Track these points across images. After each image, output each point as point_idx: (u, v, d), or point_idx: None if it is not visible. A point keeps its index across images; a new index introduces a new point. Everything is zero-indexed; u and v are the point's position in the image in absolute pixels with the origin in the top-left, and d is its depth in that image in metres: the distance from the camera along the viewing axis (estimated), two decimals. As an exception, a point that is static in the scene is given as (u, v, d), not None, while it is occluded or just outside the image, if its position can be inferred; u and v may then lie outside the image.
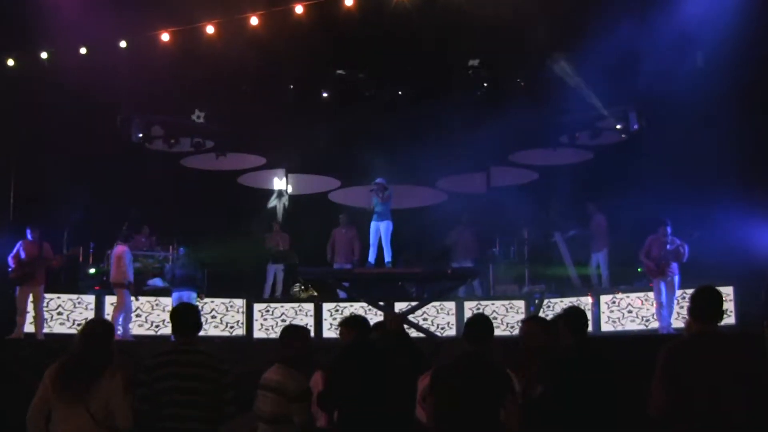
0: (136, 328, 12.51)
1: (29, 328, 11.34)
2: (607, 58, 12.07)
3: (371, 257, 13.07)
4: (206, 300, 13.04)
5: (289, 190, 17.29)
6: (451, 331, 12.89)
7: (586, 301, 12.66)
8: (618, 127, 14.81)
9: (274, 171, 17.28)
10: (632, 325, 12.38)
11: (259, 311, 13.27)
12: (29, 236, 11.33)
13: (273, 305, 13.40)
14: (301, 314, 13.17)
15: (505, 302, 13.17)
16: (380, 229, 12.95)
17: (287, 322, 11.99)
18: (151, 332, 12.77)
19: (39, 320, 11.32)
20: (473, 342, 5.16)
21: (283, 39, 12.51)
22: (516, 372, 5.15)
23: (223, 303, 13.19)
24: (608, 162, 14.87)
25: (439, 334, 12.73)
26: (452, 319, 13.04)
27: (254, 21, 12.34)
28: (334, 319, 12.76)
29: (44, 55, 12.82)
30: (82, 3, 11.52)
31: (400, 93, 15.16)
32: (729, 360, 4.44)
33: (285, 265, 14.81)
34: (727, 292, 11.20)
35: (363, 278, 12.80)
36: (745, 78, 11.67)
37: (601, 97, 14.01)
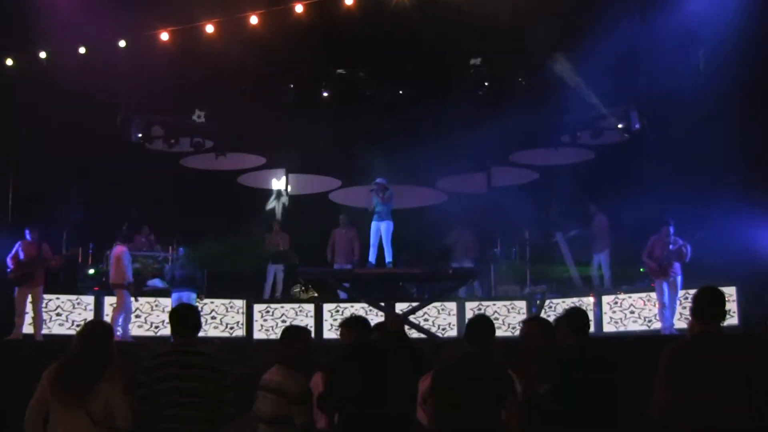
0: (136, 329, 12.45)
1: (28, 329, 11.29)
2: (609, 57, 12.06)
3: (371, 257, 13.04)
4: (206, 301, 12.98)
5: (288, 189, 17.26)
6: (453, 332, 12.85)
7: (588, 302, 12.63)
8: (619, 126, 14.79)
9: (273, 171, 17.26)
10: (634, 326, 12.34)
11: (259, 312, 13.22)
12: (28, 237, 11.28)
13: (273, 306, 13.35)
14: (302, 315, 13.13)
15: (507, 303, 13.13)
16: (381, 230, 12.91)
17: (287, 323, 11.86)
18: (150, 333, 12.72)
19: (38, 321, 11.27)
20: (474, 343, 5.14)
21: (283, 38, 12.50)
22: (517, 373, 5.13)
23: (223, 304, 13.15)
24: (610, 162, 14.86)
25: (440, 334, 12.71)
26: (453, 320, 13.01)
27: (254, 20, 12.34)
28: (335, 319, 12.71)
29: (43, 54, 12.81)
30: (81, 2, 11.54)
31: (400, 93, 15.14)
32: (731, 360, 4.42)
33: (285, 266, 14.77)
34: (730, 292, 11.15)
35: (363, 279, 12.77)
36: (748, 77, 11.70)
37: (603, 96, 14.00)
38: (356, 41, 13.21)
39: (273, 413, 5.29)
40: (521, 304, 13.09)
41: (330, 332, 12.73)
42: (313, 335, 11.34)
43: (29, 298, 11.15)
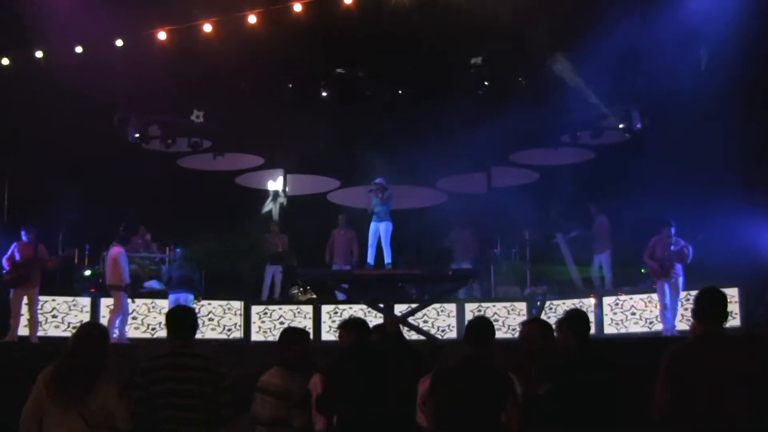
0: (132, 331, 12.37)
1: (23, 331, 11.21)
2: (610, 56, 12.04)
3: (370, 258, 12.98)
4: (203, 302, 12.93)
5: (286, 190, 17.22)
6: (452, 334, 12.81)
7: (588, 303, 12.59)
8: (620, 126, 14.75)
9: (271, 171, 17.19)
10: (636, 328, 12.28)
11: (257, 313, 13.15)
12: (24, 238, 11.21)
13: (271, 307, 13.29)
14: (300, 316, 13.07)
15: (507, 304, 13.08)
16: (380, 230, 12.84)
17: (286, 325, 11.93)
18: (147, 335, 12.64)
19: (33, 323, 11.21)
20: (474, 344, 5.11)
21: (282, 38, 12.49)
22: (517, 374, 5.10)
23: (221, 305, 13.09)
24: (611, 162, 14.80)
25: (439, 336, 12.66)
26: (453, 322, 12.96)
27: (252, 19, 12.34)
28: (333, 321, 12.68)
29: (39, 54, 12.77)
30: (78, 1, 11.51)
31: (399, 92, 15.10)
32: (733, 362, 4.41)
33: (283, 267, 14.70)
34: (732, 293, 11.13)
35: (362, 280, 12.69)
36: (749, 76, 11.68)
37: (604, 96, 13.99)
38: (355, 40, 13.20)
39: (272, 416, 5.30)
40: (521, 306, 13.04)
41: (328, 334, 12.68)
42: (311, 337, 11.26)
43: (25, 300, 11.09)
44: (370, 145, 14.42)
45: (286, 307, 13.28)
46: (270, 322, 13.03)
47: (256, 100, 14.57)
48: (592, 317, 11.75)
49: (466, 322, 9.89)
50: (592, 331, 6.06)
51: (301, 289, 14.61)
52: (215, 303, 13.06)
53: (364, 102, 15.03)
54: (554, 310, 12.64)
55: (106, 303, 12.34)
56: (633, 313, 12.38)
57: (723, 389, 4.32)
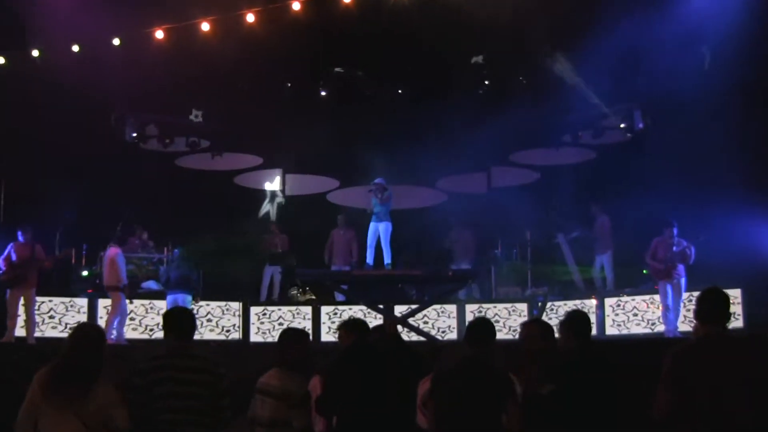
0: (130, 332, 12.31)
1: (20, 332, 11.15)
2: (612, 56, 11.99)
3: (369, 259, 12.96)
4: (202, 303, 12.85)
5: (284, 189, 17.19)
6: (452, 335, 12.77)
7: (590, 304, 12.54)
8: (622, 125, 14.72)
9: (269, 172, 17.12)
10: (638, 329, 12.23)
11: (256, 314, 13.09)
12: (21, 238, 11.15)
13: (270, 308, 13.23)
14: (299, 317, 13.01)
15: (508, 305, 13.04)
16: (379, 230, 12.80)
17: (284, 326, 11.85)
18: (145, 336, 12.58)
19: (30, 324, 11.15)
20: (475, 345, 5.10)
21: (280, 36, 12.46)
22: (517, 376, 5.08)
23: (219, 306, 13.03)
24: (612, 162, 14.77)
25: (439, 337, 12.62)
26: (453, 323, 12.92)
27: (250, 18, 12.35)
28: (333, 322, 12.63)
29: (36, 52, 12.71)
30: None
31: (399, 92, 15.07)
32: (736, 363, 4.39)
33: (282, 267, 14.63)
34: (735, 294, 11.10)
35: (362, 280, 12.69)
36: (752, 75, 11.67)
37: (605, 95, 13.96)
38: (354, 39, 13.18)
39: (271, 417, 5.32)
40: (522, 307, 13.00)
41: (328, 335, 12.63)
42: (310, 338, 11.20)
43: (21, 300, 11.02)
44: (370, 145, 14.36)
45: (285, 308, 13.23)
46: (269, 323, 12.97)
47: (255, 100, 14.52)
48: (593, 318, 11.76)
49: (466, 323, 9.87)
50: (594, 332, 6.03)
51: (301, 289, 14.56)
52: (214, 304, 12.99)
53: (363, 101, 14.99)
54: (555, 311, 12.62)
55: (104, 304, 12.29)
56: (635, 315, 12.33)
57: (725, 391, 4.30)
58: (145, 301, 12.76)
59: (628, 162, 13.98)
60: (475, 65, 14.04)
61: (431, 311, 12.84)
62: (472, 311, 12.80)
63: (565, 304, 12.51)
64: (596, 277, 13.75)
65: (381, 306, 12.13)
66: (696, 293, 4.97)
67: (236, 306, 13.08)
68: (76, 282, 13.69)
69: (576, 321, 5.18)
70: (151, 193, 14.75)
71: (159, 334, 12.25)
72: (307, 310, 13.12)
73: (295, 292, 14.61)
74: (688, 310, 11.09)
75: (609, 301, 12.58)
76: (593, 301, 12.61)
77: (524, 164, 16.67)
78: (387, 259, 12.79)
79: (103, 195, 13.91)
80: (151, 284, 13.82)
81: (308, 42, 12.74)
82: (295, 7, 12.05)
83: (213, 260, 13.54)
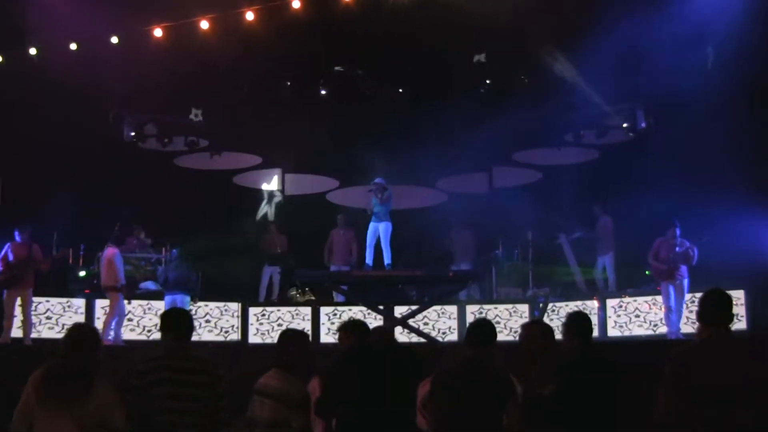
0: (128, 333, 12.26)
1: (17, 332, 11.09)
2: (614, 55, 11.97)
3: (368, 259, 12.89)
4: (200, 303, 12.81)
5: (282, 189, 17.15)
6: (453, 336, 12.70)
7: (591, 305, 12.49)
8: (625, 125, 14.67)
9: (267, 172, 17.08)
10: (640, 330, 12.17)
11: (255, 315, 13.02)
12: (18, 238, 11.09)
13: (269, 309, 13.16)
14: (298, 318, 12.94)
15: (509, 306, 12.97)
16: (379, 231, 12.73)
17: (283, 327, 11.82)
18: (143, 337, 12.51)
19: (27, 325, 11.07)
20: (475, 347, 5.09)
21: (280, 35, 12.47)
22: (518, 377, 5.07)
23: (218, 307, 12.97)
24: (614, 161, 14.72)
25: (440, 339, 12.54)
26: (454, 324, 12.85)
27: (250, 16, 12.40)
28: (332, 323, 12.57)
29: (33, 51, 12.69)
30: (72, -3, 11.41)
31: (399, 91, 15.05)
32: (739, 364, 4.38)
33: (281, 268, 14.57)
34: (738, 296, 11.03)
35: (362, 281, 12.63)
36: (755, 75, 11.63)
37: (608, 95, 13.91)
38: (355, 38, 13.19)
39: (270, 418, 5.29)
40: (523, 308, 12.92)
41: (327, 336, 12.56)
42: (310, 339, 11.13)
43: (18, 301, 10.97)
44: (370, 145, 14.33)
45: (284, 309, 13.16)
46: (268, 324, 12.90)
47: (254, 99, 14.52)
48: (595, 320, 11.72)
49: (467, 324, 9.80)
50: (596, 333, 5.97)
51: (300, 290, 14.51)
52: (212, 304, 12.93)
53: (363, 101, 14.96)
54: (557, 313, 12.55)
55: (101, 304, 12.24)
56: (637, 316, 12.26)
57: (728, 392, 4.28)
58: (143, 302, 12.70)
59: (631, 162, 13.92)
60: (477, 64, 13.95)
61: (431, 312, 12.77)
62: (472, 312, 12.74)
63: (567, 305, 12.45)
64: (598, 278, 13.69)
65: (381, 307, 12.06)
66: (699, 294, 4.99)
67: (235, 307, 13.02)
68: (73, 282, 13.63)
69: (576, 322, 5.19)
70: (150, 192, 14.71)
71: (157, 335, 12.12)
72: (307, 310, 13.05)
73: (295, 292, 14.55)
74: (691, 312, 11.03)
75: (611, 302, 12.52)
76: (595, 303, 12.54)
77: (526, 164, 16.63)
78: (387, 260, 12.72)
79: (101, 194, 13.88)
80: (149, 285, 13.77)
81: (308, 41, 12.78)
82: (295, 6, 12.13)
83: (211, 260, 13.48)
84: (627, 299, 12.41)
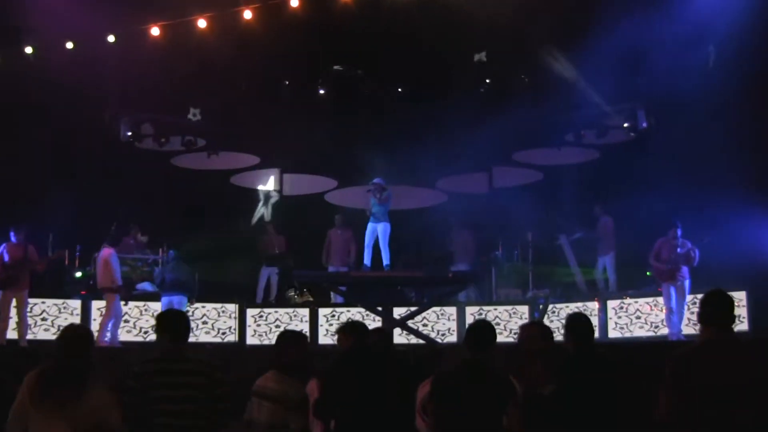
0: (124, 334, 12.22)
1: (12, 334, 11.06)
2: (615, 55, 11.95)
3: (366, 260, 12.83)
4: (197, 305, 12.77)
5: (279, 189, 17.12)
6: (452, 338, 12.67)
7: (592, 307, 12.46)
8: (626, 125, 14.62)
9: (263, 172, 17.08)
10: (641, 332, 12.15)
11: (252, 317, 12.99)
12: (13, 238, 11.06)
13: (267, 310, 13.13)
14: (296, 320, 12.92)
15: (509, 307, 12.95)
16: (377, 231, 12.66)
17: (281, 328, 11.80)
18: (139, 338, 12.48)
19: (22, 326, 11.06)
20: (475, 348, 5.08)
21: (278, 34, 12.43)
22: (518, 378, 5.04)
23: (215, 308, 12.95)
24: (615, 162, 14.71)
25: (439, 340, 12.49)
26: (453, 325, 12.82)
27: (248, 15, 12.33)
28: (330, 324, 12.56)
29: (29, 50, 12.63)
30: (68, -5, 11.37)
31: (399, 90, 15.02)
32: (740, 366, 4.38)
33: (279, 269, 14.51)
34: (740, 297, 11.03)
35: (360, 282, 12.63)
36: (756, 74, 11.63)
37: (608, 94, 13.88)
38: (354, 37, 13.11)
39: (269, 420, 5.30)
40: (523, 309, 12.89)
41: (326, 337, 12.54)
42: (308, 340, 11.08)
43: (14, 302, 10.96)
44: (369, 145, 14.30)
45: (282, 310, 13.13)
46: (265, 326, 12.88)
47: (252, 98, 14.43)
48: (595, 321, 11.68)
49: (466, 326, 9.73)
50: (596, 335, 5.93)
51: (298, 291, 14.48)
52: (209, 306, 12.90)
53: (362, 100, 14.91)
54: (557, 314, 12.51)
55: (97, 305, 12.20)
56: (638, 317, 12.24)
57: (729, 394, 4.28)
58: (140, 303, 12.68)
59: (632, 162, 13.94)
60: (477, 63, 13.90)
61: (431, 313, 12.76)
62: (472, 313, 12.72)
63: (567, 307, 12.42)
64: (599, 279, 13.65)
65: (380, 308, 12.03)
66: (700, 296, 4.94)
67: (232, 308, 12.99)
68: (69, 283, 13.59)
69: (576, 322, 5.18)
70: (146, 192, 14.69)
71: (153, 337, 12.07)
72: (305, 312, 13.02)
73: (293, 293, 14.53)
74: (692, 313, 11.00)
75: (612, 304, 12.49)
76: (595, 304, 12.51)
77: (527, 164, 16.61)
78: (386, 261, 12.66)
79: (98, 195, 13.86)
80: (145, 286, 13.75)
81: (307, 40, 12.73)
82: (294, 4, 12.08)
83: (209, 261, 13.46)
84: (628, 300, 12.38)
